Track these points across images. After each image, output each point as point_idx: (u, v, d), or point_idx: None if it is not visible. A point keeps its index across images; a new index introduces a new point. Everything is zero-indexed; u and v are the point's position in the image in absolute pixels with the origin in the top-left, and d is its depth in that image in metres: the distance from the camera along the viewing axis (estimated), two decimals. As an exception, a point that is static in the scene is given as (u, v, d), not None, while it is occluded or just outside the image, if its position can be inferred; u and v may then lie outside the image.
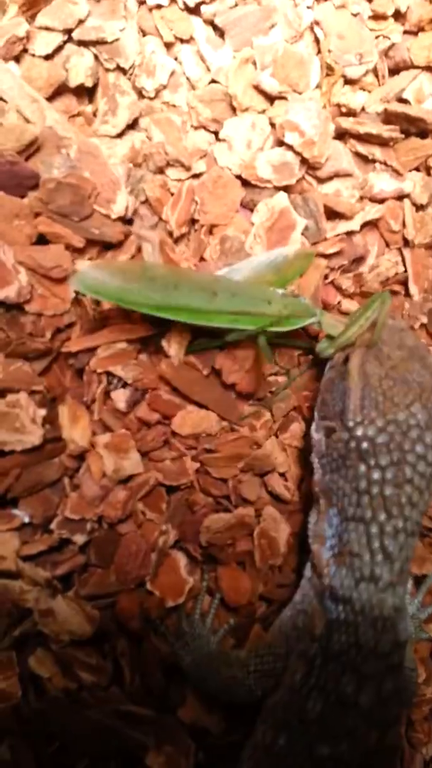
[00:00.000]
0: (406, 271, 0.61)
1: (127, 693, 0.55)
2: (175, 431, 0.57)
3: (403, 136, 0.58)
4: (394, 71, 0.60)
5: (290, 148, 0.55)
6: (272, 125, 0.57)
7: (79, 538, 0.54)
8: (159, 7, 0.58)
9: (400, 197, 0.60)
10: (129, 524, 0.56)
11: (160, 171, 0.58)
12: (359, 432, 0.46)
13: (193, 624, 0.56)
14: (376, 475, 0.46)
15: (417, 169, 0.60)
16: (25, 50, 0.57)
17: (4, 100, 0.55)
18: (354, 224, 0.59)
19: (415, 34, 0.59)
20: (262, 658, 0.52)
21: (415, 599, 0.61)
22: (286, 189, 0.58)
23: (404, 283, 0.62)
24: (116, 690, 0.55)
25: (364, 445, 0.46)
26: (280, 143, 0.56)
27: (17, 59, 0.58)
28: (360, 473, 0.46)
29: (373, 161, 0.59)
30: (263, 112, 0.57)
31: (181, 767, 0.53)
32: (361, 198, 0.60)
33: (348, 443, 0.47)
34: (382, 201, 0.60)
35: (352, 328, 0.49)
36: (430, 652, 0.62)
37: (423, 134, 0.59)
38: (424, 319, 0.61)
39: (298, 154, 0.56)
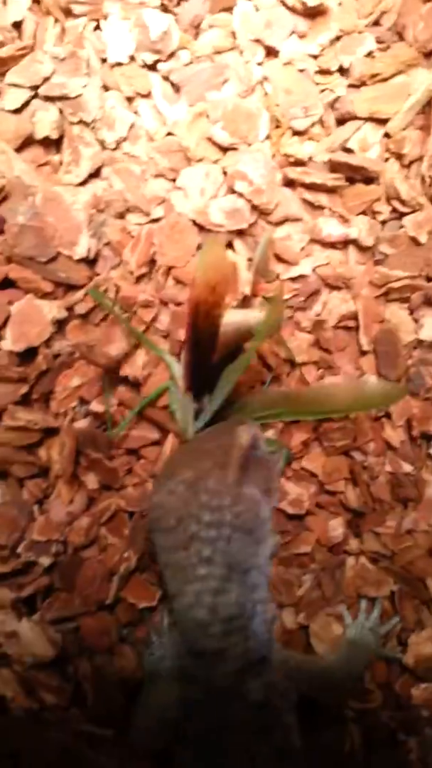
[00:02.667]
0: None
1: (89, 715, 0.58)
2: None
3: (347, 183, 0.64)
4: (340, 122, 0.65)
5: (241, 195, 0.60)
6: (225, 174, 0.62)
7: (45, 561, 0.57)
8: (119, 64, 0.63)
9: (347, 242, 0.64)
10: (92, 549, 0.60)
11: (121, 216, 0.62)
12: (154, 498, 0.52)
13: (161, 633, 0.59)
14: (168, 541, 0.50)
15: (364, 213, 0.65)
16: (-7, 102, 0.63)
17: (-25, 152, 0.61)
18: (305, 269, 0.63)
19: (358, 87, 0.64)
20: (159, 708, 0.53)
21: (372, 615, 0.63)
22: (240, 233, 0.63)
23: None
24: (77, 711, 0.58)
25: (157, 512, 0.51)
26: (232, 191, 0.61)
27: (-12, 113, 0.63)
28: (159, 544, 0.51)
29: (321, 207, 0.64)
30: (216, 162, 0.62)
31: (140, 789, 0.56)
32: (312, 240, 0.65)
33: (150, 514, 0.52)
34: (331, 245, 0.65)
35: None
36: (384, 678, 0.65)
37: (367, 181, 0.64)
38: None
39: (248, 201, 0.61)
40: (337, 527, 0.64)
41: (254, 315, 0.58)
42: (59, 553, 0.59)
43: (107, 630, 0.59)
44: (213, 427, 0.56)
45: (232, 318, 0.58)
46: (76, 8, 0.63)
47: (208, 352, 0.57)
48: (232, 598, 0.49)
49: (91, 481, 0.61)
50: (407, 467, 0.65)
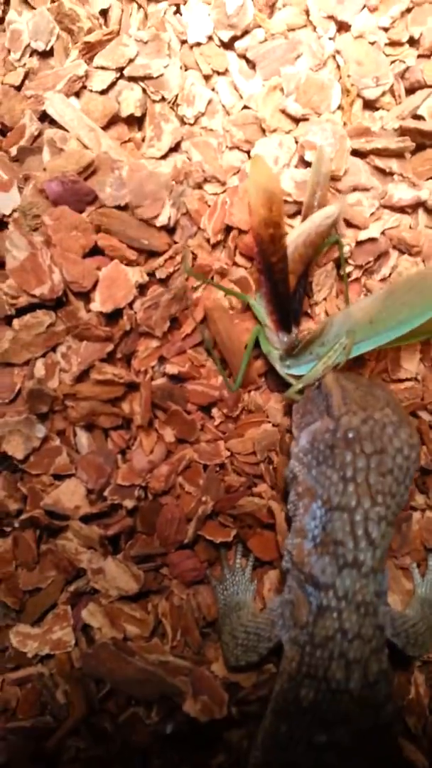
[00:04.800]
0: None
1: (168, 647, 0.64)
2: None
3: (417, 149, 0.67)
4: (410, 91, 0.68)
5: (310, 165, 0.64)
6: (297, 144, 0.66)
7: (129, 503, 0.63)
8: (198, 44, 0.68)
9: (417, 205, 0.67)
10: (170, 496, 0.66)
11: (199, 186, 0.67)
12: (345, 421, 0.53)
13: (234, 571, 0.65)
14: (361, 463, 0.52)
15: (432, 178, 0.68)
16: (84, 87, 0.69)
17: (66, 130, 0.67)
18: (374, 232, 0.67)
19: (429, 57, 0.67)
20: (249, 634, 0.59)
21: (426, 579, 0.66)
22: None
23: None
24: (158, 642, 0.64)
25: (350, 434, 0.53)
26: (303, 161, 0.65)
27: (77, 95, 0.69)
28: (347, 461, 0.53)
29: (391, 173, 0.67)
30: (289, 132, 0.66)
31: (215, 715, 0.61)
32: (382, 206, 0.68)
33: (335, 433, 0.53)
34: (401, 209, 0.68)
35: (319, 366, 0.58)
36: None
37: (438, 147, 0.67)
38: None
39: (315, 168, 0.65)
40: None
41: (324, 213, 0.61)
42: (141, 498, 0.65)
43: (187, 568, 0.65)
44: (353, 376, 0.60)
45: (296, 233, 0.61)
46: (159, -7, 0.69)
47: (284, 278, 0.60)
48: (383, 527, 0.54)
49: (169, 434, 0.66)
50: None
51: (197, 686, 0.62)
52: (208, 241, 0.67)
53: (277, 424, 0.68)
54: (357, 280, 0.67)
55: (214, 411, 0.68)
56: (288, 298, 0.61)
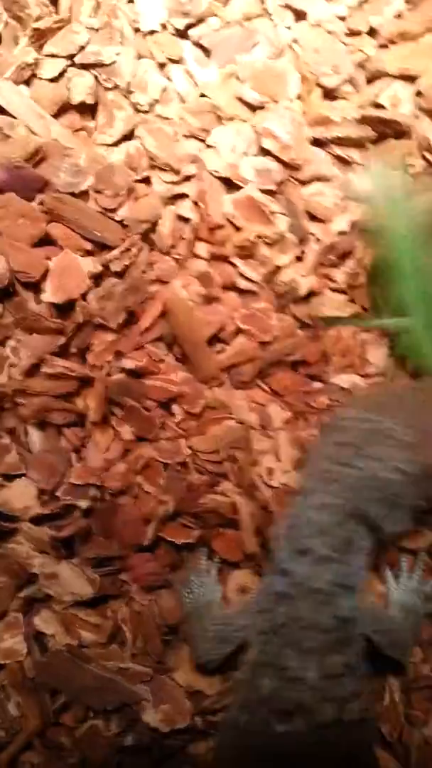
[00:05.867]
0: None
1: (127, 655, 0.62)
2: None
3: (378, 138, 0.67)
4: (370, 80, 0.68)
5: (268, 153, 0.64)
6: (256, 132, 0.66)
7: (83, 504, 0.61)
8: (152, 32, 0.68)
9: (379, 195, 0.67)
10: (128, 496, 0.64)
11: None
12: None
13: (200, 574, 0.62)
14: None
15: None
16: (33, 75, 0.67)
17: (15, 117, 0.65)
18: (342, 224, 0.66)
19: (388, 47, 0.67)
20: (219, 625, 0.58)
21: (414, 574, 0.65)
22: (270, 191, 0.66)
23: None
24: (116, 648, 0.61)
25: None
26: (261, 149, 0.65)
27: (27, 83, 0.68)
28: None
29: (353, 163, 0.67)
30: (246, 120, 0.66)
31: (177, 724, 0.59)
32: (346, 197, 0.68)
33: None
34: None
35: None
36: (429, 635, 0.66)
37: (398, 135, 0.67)
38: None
39: (275, 158, 0.64)
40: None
41: None
42: (96, 498, 0.62)
43: (147, 572, 0.62)
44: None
45: None
46: (111, -20, 0.68)
47: None
48: (352, 526, 0.54)
49: (126, 431, 0.64)
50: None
51: (158, 695, 0.60)
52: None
53: (241, 421, 0.66)
54: (326, 276, 0.66)
55: (175, 407, 0.66)
56: None
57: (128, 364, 0.64)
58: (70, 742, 0.62)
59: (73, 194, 0.64)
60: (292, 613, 0.53)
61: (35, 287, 0.63)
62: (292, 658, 0.52)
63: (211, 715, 0.62)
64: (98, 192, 0.65)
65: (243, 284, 0.66)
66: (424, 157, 0.66)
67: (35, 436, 0.64)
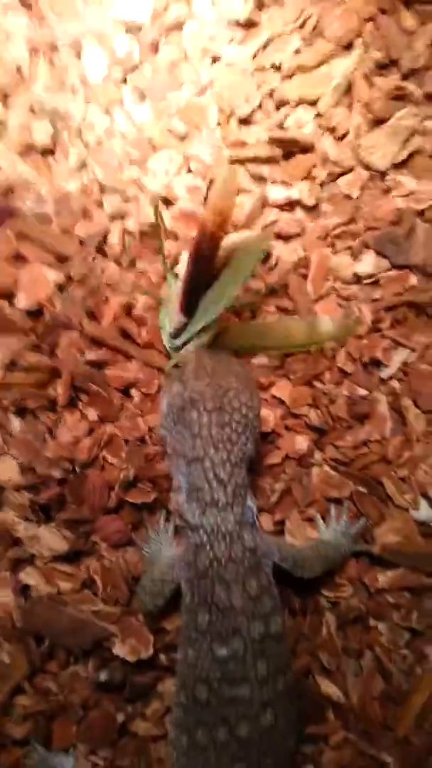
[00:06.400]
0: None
1: (98, 600, 0.72)
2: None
3: (287, 155, 0.79)
4: (277, 107, 0.81)
5: (197, 173, 0.77)
6: (185, 157, 0.79)
7: (56, 473, 0.72)
8: (97, 83, 0.82)
9: (292, 203, 0.79)
10: (95, 468, 0.75)
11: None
12: (191, 384, 0.65)
13: (157, 531, 0.73)
14: (204, 419, 0.63)
15: (304, 178, 0.80)
16: (1, 124, 0.81)
17: (-14, 160, 0.79)
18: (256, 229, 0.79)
19: (290, 78, 0.80)
20: (154, 581, 0.68)
21: (342, 519, 0.75)
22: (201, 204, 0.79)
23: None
24: (89, 593, 0.72)
25: (195, 395, 0.64)
26: (189, 170, 0.77)
27: (-5, 131, 0.82)
28: (194, 419, 0.64)
29: (265, 178, 0.79)
30: (176, 148, 0.79)
31: (141, 654, 0.69)
32: (264, 205, 0.80)
33: (183, 395, 0.65)
34: (280, 207, 0.80)
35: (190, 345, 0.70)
36: (357, 572, 0.76)
37: (304, 151, 0.79)
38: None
39: (202, 176, 0.77)
40: (302, 443, 0.77)
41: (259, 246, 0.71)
42: (68, 470, 0.74)
43: (113, 530, 0.73)
44: (217, 353, 0.71)
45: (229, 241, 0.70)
46: (61, 46, 0.82)
47: (207, 273, 0.69)
48: (242, 473, 0.65)
49: (92, 413, 0.76)
50: (361, 391, 0.78)
51: (125, 631, 0.70)
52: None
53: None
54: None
55: (133, 391, 0.78)
56: (200, 289, 0.71)
57: (91, 356, 0.76)
58: (56, 686, 0.72)
59: (38, 218, 0.77)
60: (213, 555, 0.64)
61: (9, 297, 0.76)
62: (220, 592, 0.63)
63: (174, 652, 0.72)
64: (58, 215, 0.78)
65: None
66: (326, 169, 0.79)
67: (15, 422, 0.75)
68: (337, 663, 0.73)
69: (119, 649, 0.69)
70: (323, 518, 0.75)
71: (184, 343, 0.72)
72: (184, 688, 0.63)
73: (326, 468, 0.77)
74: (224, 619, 0.62)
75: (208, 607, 0.63)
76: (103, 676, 0.71)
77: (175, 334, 0.73)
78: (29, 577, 0.71)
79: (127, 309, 0.77)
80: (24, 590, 0.73)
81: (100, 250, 0.79)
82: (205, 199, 0.71)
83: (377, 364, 0.79)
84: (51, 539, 0.72)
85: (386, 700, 0.71)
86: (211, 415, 0.64)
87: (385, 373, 0.78)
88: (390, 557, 0.73)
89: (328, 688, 0.72)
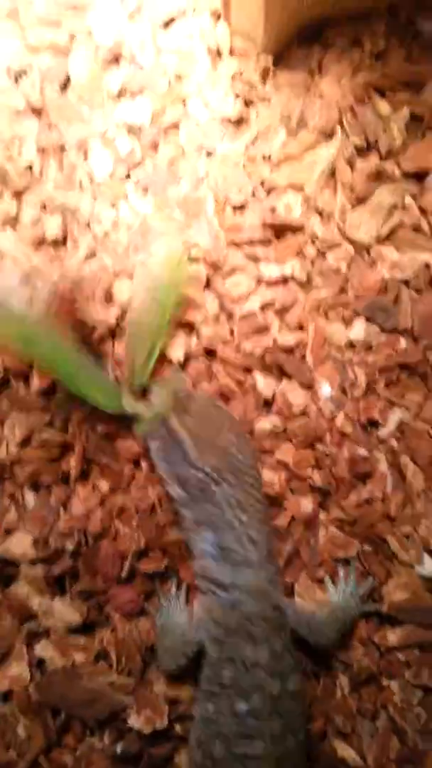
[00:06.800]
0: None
1: (113, 671, 0.73)
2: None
3: (278, 237, 0.85)
4: (268, 193, 0.88)
5: (196, 258, 0.83)
6: (185, 244, 0.85)
7: (69, 546, 0.75)
8: (103, 180, 0.89)
9: (285, 280, 0.85)
10: (107, 538, 0.78)
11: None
12: (203, 464, 0.68)
13: (169, 598, 0.75)
14: (227, 489, 0.67)
15: (295, 256, 0.86)
16: (15, 220, 0.89)
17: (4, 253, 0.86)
18: (254, 305, 0.84)
19: (279, 166, 0.88)
20: (175, 643, 0.70)
21: (350, 580, 0.77)
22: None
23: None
24: (103, 665, 0.73)
25: (213, 473, 0.68)
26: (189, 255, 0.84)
27: (13, 227, 0.90)
28: (218, 494, 0.67)
29: (259, 258, 0.85)
30: (177, 236, 0.86)
31: (156, 725, 0.70)
32: (258, 282, 0.86)
33: (199, 476, 0.68)
34: (274, 283, 0.86)
35: (160, 402, 0.72)
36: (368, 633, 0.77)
37: (294, 232, 0.86)
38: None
39: (203, 260, 0.83)
40: (307, 504, 0.79)
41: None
42: (80, 541, 0.77)
43: (126, 599, 0.75)
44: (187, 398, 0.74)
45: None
46: (69, 147, 0.91)
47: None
48: (257, 527, 0.68)
49: (103, 485, 0.79)
50: (361, 451, 0.81)
51: (140, 702, 0.71)
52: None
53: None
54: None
55: (142, 462, 0.81)
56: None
57: (101, 429, 0.80)
58: (73, 760, 0.72)
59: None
60: (245, 614, 0.66)
61: (25, 378, 0.81)
62: (248, 649, 0.65)
63: (189, 722, 0.72)
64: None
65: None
66: (315, 246, 0.85)
67: (30, 497, 0.79)
68: (352, 725, 0.73)
69: (134, 720, 0.70)
70: (332, 579, 0.76)
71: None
72: (200, 745, 0.64)
73: (332, 528, 0.79)
74: (247, 674, 0.64)
75: (233, 662, 0.65)
76: (119, 748, 0.71)
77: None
78: (44, 650, 0.73)
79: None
80: (39, 663, 0.74)
81: (114, 334, 0.84)
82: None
83: (375, 424, 0.82)
84: (65, 612, 0.74)
85: (403, 762, 0.70)
86: (232, 484, 0.68)
87: (383, 433, 0.80)
88: (398, 615, 0.74)
89: (344, 751, 0.72)
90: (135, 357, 0.78)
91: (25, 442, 0.79)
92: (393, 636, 0.74)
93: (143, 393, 0.77)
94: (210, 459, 0.68)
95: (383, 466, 0.79)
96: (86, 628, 0.75)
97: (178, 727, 0.73)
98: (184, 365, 0.82)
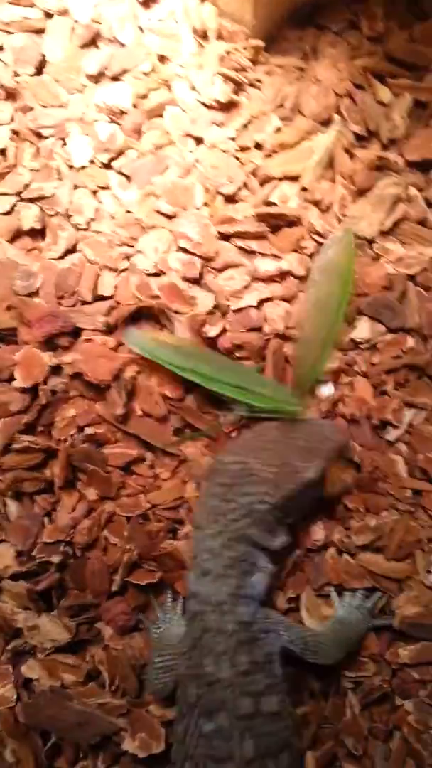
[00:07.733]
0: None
1: (106, 692, 0.73)
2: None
3: (273, 229, 0.86)
4: (262, 184, 0.89)
5: (185, 250, 0.83)
6: (173, 235, 0.85)
7: (55, 559, 0.75)
8: (83, 167, 0.90)
9: (283, 274, 0.86)
10: (96, 549, 0.77)
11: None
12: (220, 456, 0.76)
13: (165, 611, 0.77)
14: (214, 490, 0.72)
15: (293, 250, 0.87)
16: (-11, 210, 0.88)
17: (-24, 246, 0.86)
18: (251, 300, 0.85)
19: (272, 156, 0.90)
20: (168, 655, 0.71)
21: (343, 601, 0.77)
22: (193, 279, 0.85)
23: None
24: (94, 685, 0.73)
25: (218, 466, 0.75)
26: (179, 248, 0.84)
27: (-16, 217, 0.89)
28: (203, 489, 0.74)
29: (254, 252, 0.86)
30: (164, 227, 0.86)
31: (152, 749, 0.70)
32: (254, 279, 0.86)
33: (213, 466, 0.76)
34: (271, 279, 0.86)
35: None
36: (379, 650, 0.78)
37: (291, 224, 0.88)
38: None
39: (193, 254, 0.84)
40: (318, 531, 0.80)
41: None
42: (67, 553, 0.76)
43: (118, 613, 0.75)
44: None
45: None
46: (45, 132, 0.90)
47: None
48: (242, 548, 0.70)
49: (91, 493, 0.79)
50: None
51: (135, 725, 0.71)
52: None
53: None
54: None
55: (134, 467, 0.81)
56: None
57: (88, 435, 0.80)
58: (64, 787, 0.72)
59: (29, 295, 0.83)
60: (204, 625, 0.69)
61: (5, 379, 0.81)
62: (209, 665, 0.67)
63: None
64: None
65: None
66: (313, 240, 0.85)
67: (12, 506, 0.79)
68: (363, 747, 0.75)
69: (129, 745, 0.71)
70: (339, 593, 0.77)
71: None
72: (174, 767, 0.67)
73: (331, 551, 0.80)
74: (211, 693, 0.66)
75: (197, 679, 0.67)
76: (114, 774, 0.71)
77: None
78: (31, 670, 0.75)
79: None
80: (26, 684, 0.74)
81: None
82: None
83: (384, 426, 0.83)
84: (52, 629, 0.75)
85: (419, 786, 0.71)
86: (221, 488, 0.71)
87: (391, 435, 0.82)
88: (410, 630, 0.76)
89: (358, 775, 0.73)
90: (308, 356, 0.82)
91: (5, 448, 0.78)
92: (405, 652, 0.76)
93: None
94: (227, 457, 0.76)
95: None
96: (75, 645, 0.77)
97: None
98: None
